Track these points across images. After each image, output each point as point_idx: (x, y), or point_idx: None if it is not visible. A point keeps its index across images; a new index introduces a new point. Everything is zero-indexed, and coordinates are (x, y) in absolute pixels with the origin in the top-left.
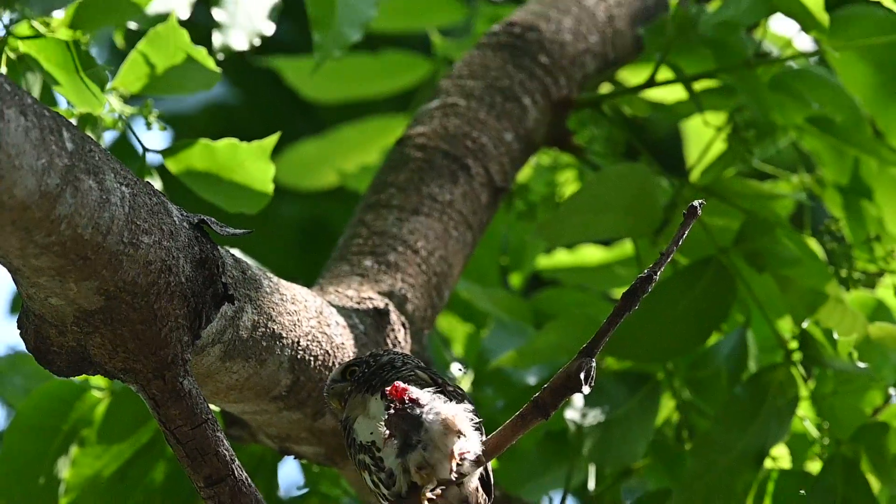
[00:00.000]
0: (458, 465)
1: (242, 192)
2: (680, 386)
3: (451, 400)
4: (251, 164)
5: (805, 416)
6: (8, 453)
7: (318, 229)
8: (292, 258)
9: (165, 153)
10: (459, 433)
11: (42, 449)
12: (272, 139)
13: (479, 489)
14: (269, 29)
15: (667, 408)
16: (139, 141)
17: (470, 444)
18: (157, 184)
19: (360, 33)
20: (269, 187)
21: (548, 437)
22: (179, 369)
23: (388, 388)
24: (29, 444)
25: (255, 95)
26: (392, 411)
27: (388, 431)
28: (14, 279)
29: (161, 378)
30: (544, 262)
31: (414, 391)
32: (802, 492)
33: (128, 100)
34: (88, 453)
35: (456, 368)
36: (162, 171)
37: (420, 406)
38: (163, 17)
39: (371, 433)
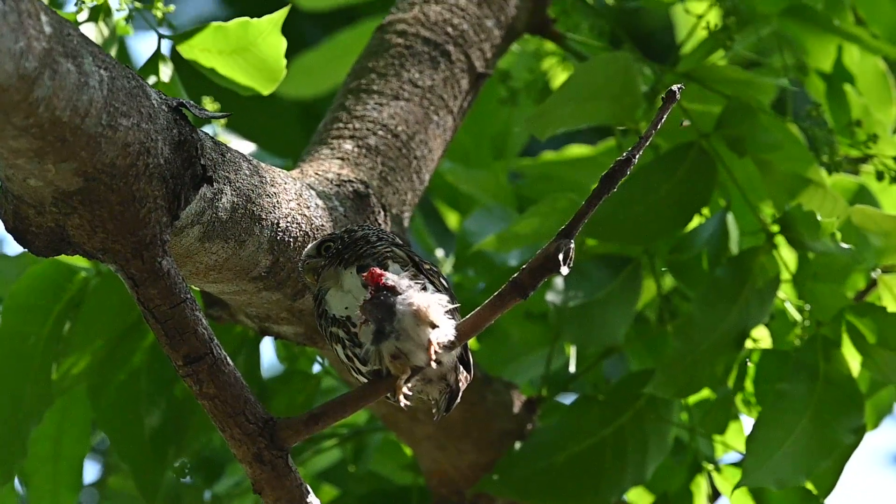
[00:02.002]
0: (435, 353)
1: (257, 71)
2: (661, 268)
3: (427, 280)
4: (263, 40)
5: (787, 299)
6: (2, 333)
7: (321, 113)
8: (294, 142)
9: (177, 39)
10: (432, 324)
11: (35, 329)
12: (282, 12)
13: (459, 366)
14: None
15: (649, 290)
16: (154, 27)
17: (443, 332)
18: (168, 71)
19: None
20: (282, 62)
21: (529, 318)
22: (158, 249)
23: (365, 274)
24: (22, 324)
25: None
26: (368, 297)
27: (363, 317)
28: None
29: (140, 258)
30: (529, 161)
31: (390, 278)
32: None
33: None
34: (78, 333)
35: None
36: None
37: (395, 294)
38: None
39: (346, 307)
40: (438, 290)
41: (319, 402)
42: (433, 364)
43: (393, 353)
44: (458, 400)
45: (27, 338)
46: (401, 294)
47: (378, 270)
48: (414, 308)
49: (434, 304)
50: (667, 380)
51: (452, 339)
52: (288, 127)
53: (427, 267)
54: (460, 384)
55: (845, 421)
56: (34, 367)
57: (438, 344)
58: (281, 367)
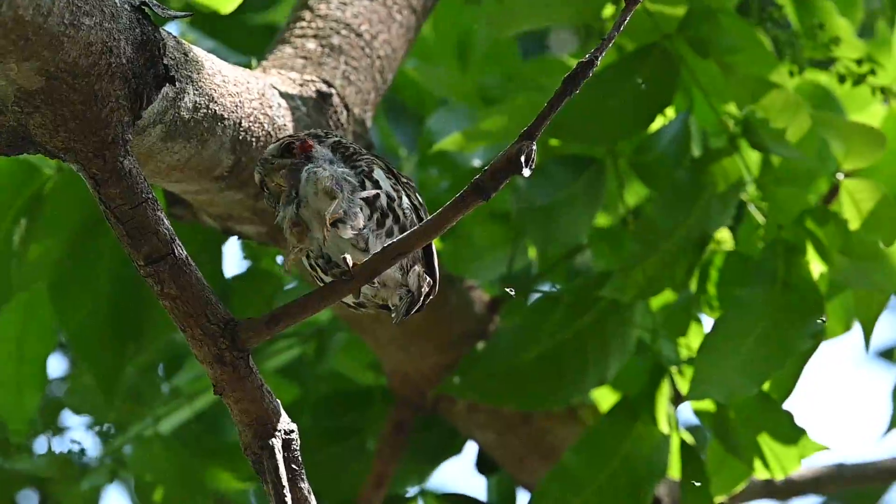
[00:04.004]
0: (329, 229)
1: None
2: (625, 169)
3: (404, 191)
4: None
5: (751, 202)
6: None
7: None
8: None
9: None
10: (332, 196)
11: None
12: None
13: (420, 272)
14: None
15: (613, 191)
16: None
17: (340, 206)
18: None
19: None
20: None
21: (492, 218)
22: (120, 149)
23: (298, 143)
24: None
25: None
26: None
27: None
28: None
29: (101, 157)
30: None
31: (317, 149)
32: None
33: None
34: (39, 230)
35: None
36: None
37: (308, 162)
38: None
39: None
40: (414, 204)
41: (281, 300)
42: (327, 236)
43: (292, 220)
44: (420, 306)
45: None
46: (312, 164)
47: (310, 142)
48: (316, 178)
49: (337, 178)
50: (624, 282)
51: (360, 230)
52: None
53: (404, 180)
54: (423, 290)
55: (803, 325)
56: None
57: (335, 218)
58: (244, 265)
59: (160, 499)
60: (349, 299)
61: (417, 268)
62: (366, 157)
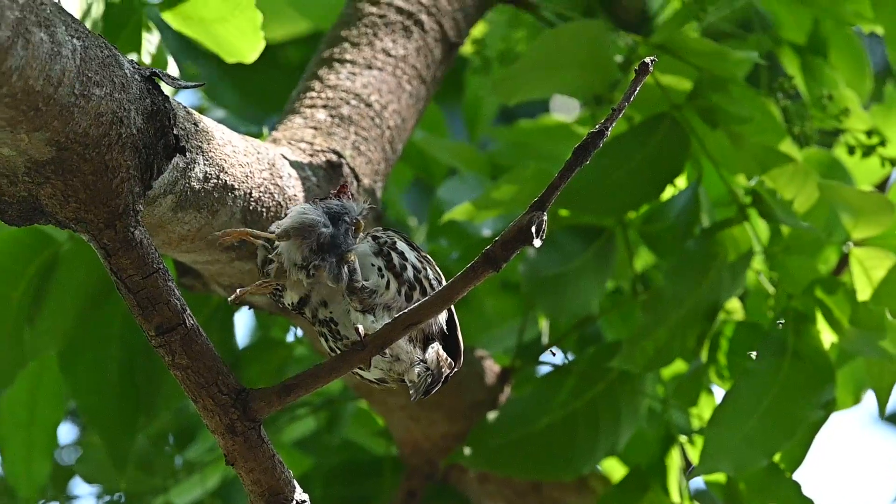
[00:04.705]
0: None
1: (235, 42)
2: (635, 240)
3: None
4: (238, 14)
5: (760, 271)
6: None
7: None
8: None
9: (162, 6)
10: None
11: (8, 292)
12: None
13: (439, 350)
14: None
15: (624, 261)
16: None
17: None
18: (156, 37)
19: None
20: (258, 36)
21: (502, 289)
22: (131, 219)
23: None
24: None
25: None
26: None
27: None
28: None
29: (112, 228)
30: (504, 131)
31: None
32: (754, 354)
33: None
34: (51, 297)
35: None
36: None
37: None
38: None
39: (331, 312)
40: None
41: (292, 370)
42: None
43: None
44: (440, 386)
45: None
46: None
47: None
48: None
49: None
50: (633, 353)
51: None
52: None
53: (423, 253)
54: (443, 371)
55: (814, 396)
56: (7, 329)
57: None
58: (254, 335)
59: None
60: (372, 375)
61: (437, 345)
62: (386, 231)
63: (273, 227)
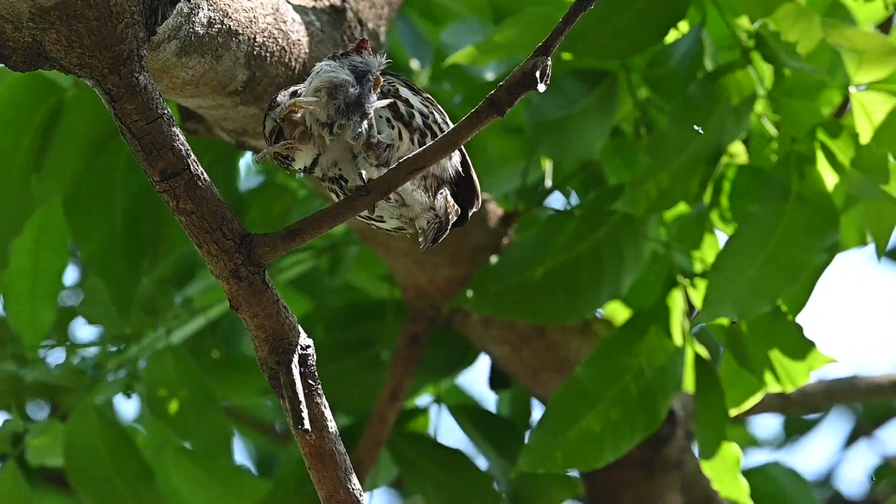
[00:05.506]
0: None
1: None
2: (638, 83)
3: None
4: None
5: (763, 115)
6: None
7: None
8: None
9: None
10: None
11: (15, 140)
12: None
13: (447, 196)
14: None
15: (627, 105)
16: None
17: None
18: None
19: None
20: None
21: (505, 132)
22: (135, 65)
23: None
24: (2, 135)
25: None
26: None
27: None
28: None
29: (117, 73)
30: None
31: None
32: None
33: None
34: (57, 144)
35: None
36: None
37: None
38: None
39: (339, 168)
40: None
41: (295, 213)
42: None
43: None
44: (447, 233)
45: (7, 149)
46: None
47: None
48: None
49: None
50: (637, 196)
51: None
52: None
53: (426, 95)
54: (450, 217)
55: (817, 239)
56: (15, 177)
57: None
58: (258, 179)
59: (172, 411)
60: (388, 225)
61: (446, 191)
62: (385, 76)
63: (302, 88)
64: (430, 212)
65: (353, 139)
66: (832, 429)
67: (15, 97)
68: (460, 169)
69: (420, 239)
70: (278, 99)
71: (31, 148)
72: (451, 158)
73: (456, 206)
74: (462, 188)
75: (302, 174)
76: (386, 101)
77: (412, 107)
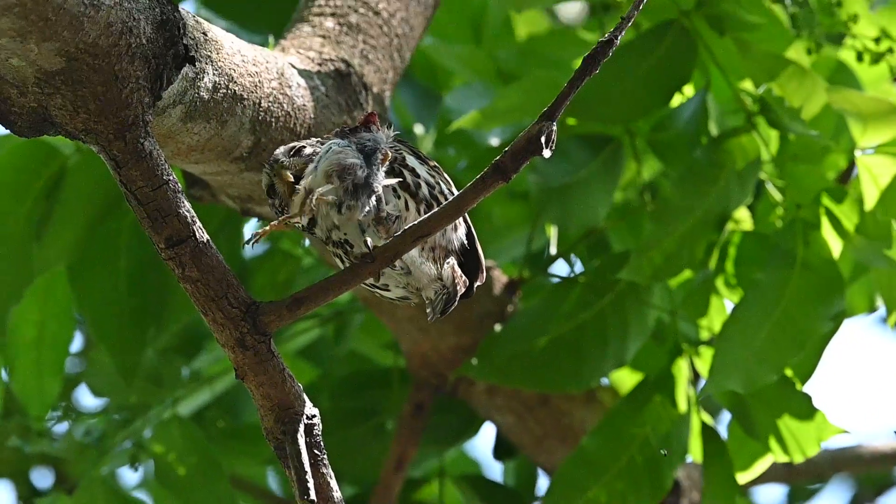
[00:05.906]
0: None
1: None
2: (643, 148)
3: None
4: None
5: (768, 180)
6: None
7: None
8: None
9: None
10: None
11: (15, 208)
12: None
13: (455, 266)
14: None
15: (631, 170)
16: None
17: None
18: None
19: None
20: None
21: (511, 198)
22: (140, 130)
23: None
24: (2, 202)
25: None
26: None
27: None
28: None
29: (122, 139)
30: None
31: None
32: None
33: None
34: (59, 211)
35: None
36: None
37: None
38: None
39: (345, 234)
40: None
41: (300, 280)
42: (306, 209)
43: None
44: (455, 304)
45: (7, 216)
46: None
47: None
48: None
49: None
50: (641, 263)
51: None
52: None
53: (432, 163)
54: (458, 288)
55: (823, 307)
56: (14, 244)
57: (322, 196)
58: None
59: (179, 481)
60: (393, 294)
61: (453, 261)
62: (395, 145)
63: (308, 170)
64: (437, 282)
65: (362, 218)
66: (834, 497)
67: (16, 163)
68: (465, 241)
69: (428, 310)
70: (277, 154)
71: (31, 215)
72: (456, 229)
73: (463, 277)
74: (468, 260)
75: (304, 231)
76: (394, 181)
77: (419, 176)
